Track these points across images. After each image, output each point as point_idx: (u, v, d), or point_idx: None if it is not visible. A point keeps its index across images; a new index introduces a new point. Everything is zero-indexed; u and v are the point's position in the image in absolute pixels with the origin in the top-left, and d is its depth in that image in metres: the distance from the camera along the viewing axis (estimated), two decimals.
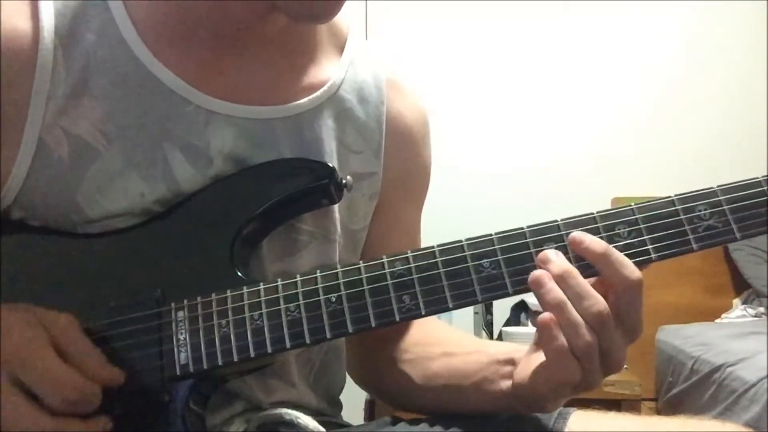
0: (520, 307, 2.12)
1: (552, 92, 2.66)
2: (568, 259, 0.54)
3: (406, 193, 0.78)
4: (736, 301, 2.48)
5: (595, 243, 0.54)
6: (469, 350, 0.67)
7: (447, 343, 0.71)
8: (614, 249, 0.53)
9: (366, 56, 0.76)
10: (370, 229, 0.76)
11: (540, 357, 0.56)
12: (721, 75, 2.64)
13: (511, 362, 0.62)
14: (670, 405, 2.18)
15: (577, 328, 0.52)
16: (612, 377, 2.08)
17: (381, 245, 0.75)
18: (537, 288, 0.53)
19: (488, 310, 2.08)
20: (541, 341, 0.55)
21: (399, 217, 0.78)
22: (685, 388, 2.08)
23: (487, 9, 2.67)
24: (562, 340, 0.52)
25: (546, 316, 0.53)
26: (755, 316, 2.37)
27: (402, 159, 0.76)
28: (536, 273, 0.53)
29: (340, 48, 0.74)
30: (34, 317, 0.53)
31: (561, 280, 0.53)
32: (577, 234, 0.55)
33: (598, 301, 0.52)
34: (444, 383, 0.67)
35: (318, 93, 0.69)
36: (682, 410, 2.02)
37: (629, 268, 0.53)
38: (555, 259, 0.54)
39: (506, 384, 0.61)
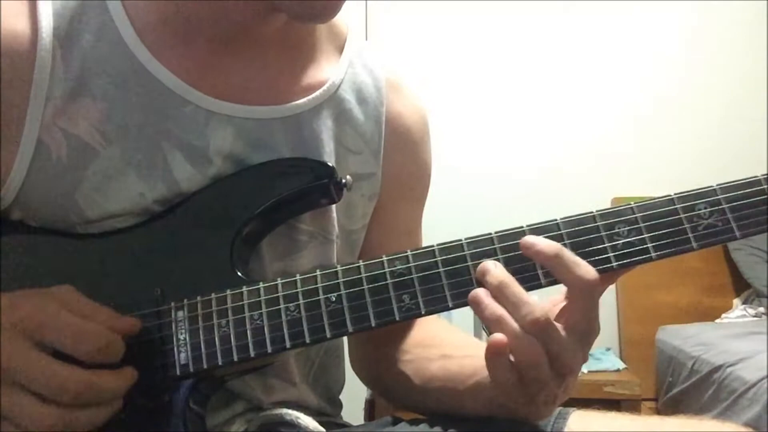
0: None
1: (552, 92, 2.66)
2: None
3: (405, 194, 0.78)
4: (736, 301, 2.48)
5: (545, 245, 0.53)
6: (466, 353, 0.67)
7: (446, 345, 0.71)
8: (566, 250, 0.53)
9: (365, 57, 0.76)
10: (371, 230, 0.76)
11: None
12: (722, 75, 2.63)
13: None
14: (670, 405, 2.18)
15: (518, 340, 0.52)
16: (612, 377, 2.09)
17: (382, 247, 0.75)
18: (475, 306, 0.54)
19: None
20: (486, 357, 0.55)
21: (399, 219, 0.78)
22: (685, 388, 2.08)
23: (488, 9, 2.67)
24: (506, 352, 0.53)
25: (496, 337, 0.53)
26: (755, 316, 2.37)
27: (401, 160, 0.76)
28: (474, 292, 0.54)
29: (340, 48, 0.74)
30: (35, 292, 0.53)
31: (498, 291, 0.53)
32: (527, 238, 0.54)
33: (534, 309, 0.52)
34: (440, 386, 0.67)
35: (317, 93, 0.69)
36: (682, 410, 2.02)
37: (583, 267, 0.53)
38: (493, 269, 0.54)
39: (497, 391, 0.61)
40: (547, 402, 0.57)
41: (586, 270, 0.53)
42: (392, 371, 0.73)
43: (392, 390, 0.75)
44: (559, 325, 0.53)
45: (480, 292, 0.54)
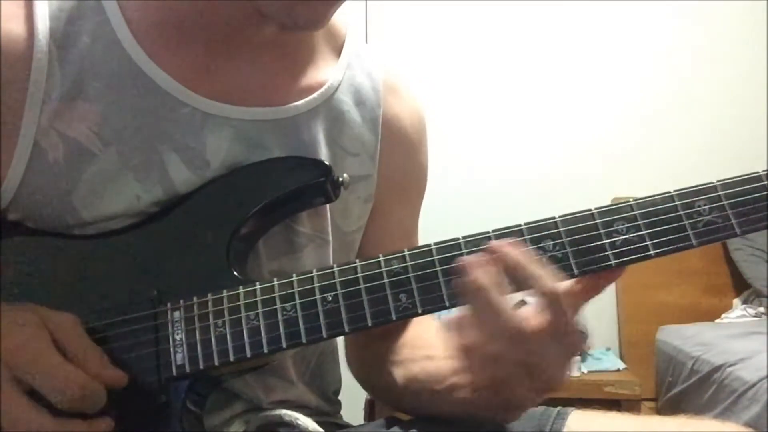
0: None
1: (552, 92, 2.66)
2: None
3: (402, 196, 0.78)
4: (736, 301, 2.48)
5: (506, 253, 0.52)
6: (446, 355, 0.66)
7: (431, 346, 0.70)
8: (528, 261, 0.52)
9: (363, 58, 0.75)
10: (368, 232, 0.76)
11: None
12: (722, 75, 2.63)
13: None
14: (670, 405, 2.18)
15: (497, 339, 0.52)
16: (612, 377, 2.09)
17: (379, 249, 0.75)
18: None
19: None
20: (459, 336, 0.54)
21: (396, 220, 0.78)
22: (685, 388, 2.08)
23: (488, 9, 2.66)
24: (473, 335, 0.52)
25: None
26: (755, 316, 2.36)
27: (398, 162, 0.76)
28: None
29: (338, 49, 0.74)
30: (36, 316, 0.53)
31: (513, 268, 0.52)
32: (492, 243, 0.53)
33: (551, 282, 0.51)
34: (419, 387, 0.66)
35: (315, 95, 0.69)
36: (682, 410, 2.02)
37: (542, 280, 0.52)
38: (477, 273, 0.52)
39: (467, 392, 0.60)
40: (519, 407, 0.56)
41: (545, 282, 0.52)
42: (380, 371, 0.73)
43: (380, 390, 0.75)
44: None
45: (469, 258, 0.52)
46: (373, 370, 0.75)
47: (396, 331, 0.75)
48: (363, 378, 0.80)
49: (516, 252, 0.52)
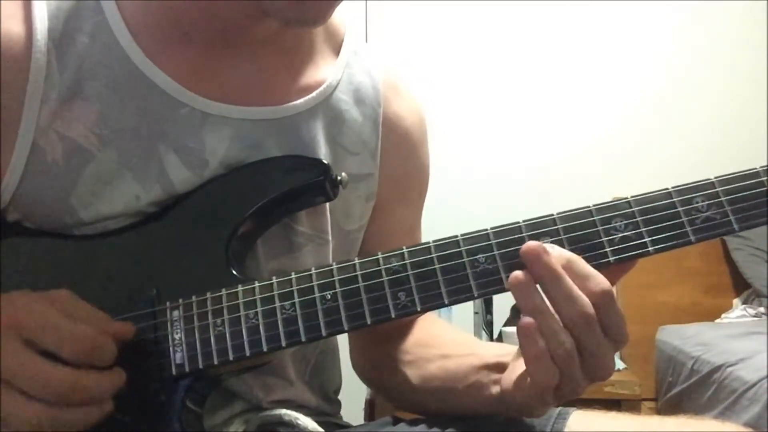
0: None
1: (552, 91, 2.66)
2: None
3: (404, 195, 0.78)
4: (736, 301, 2.48)
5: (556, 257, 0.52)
6: (464, 352, 0.67)
7: (445, 344, 0.71)
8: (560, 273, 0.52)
9: (363, 57, 0.75)
10: (371, 231, 0.76)
11: (523, 364, 0.55)
12: (721, 75, 2.63)
13: (501, 367, 0.61)
14: (670, 405, 2.18)
15: (556, 335, 0.51)
16: (612, 377, 2.08)
17: (381, 247, 0.75)
18: (517, 292, 0.52)
19: (488, 310, 2.08)
20: (522, 347, 0.54)
21: (398, 219, 0.78)
22: (685, 388, 2.07)
23: (488, 9, 2.67)
24: (542, 345, 0.52)
25: (526, 321, 0.52)
26: (755, 316, 2.36)
27: (399, 160, 0.76)
28: (518, 276, 0.52)
29: (337, 48, 0.74)
30: (31, 293, 0.53)
31: (548, 281, 0.52)
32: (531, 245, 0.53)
33: (585, 304, 0.51)
34: (439, 386, 0.67)
35: (314, 94, 0.69)
36: (682, 410, 2.02)
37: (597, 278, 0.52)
38: (544, 257, 0.52)
39: (496, 389, 0.61)
40: (555, 400, 0.56)
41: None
42: (392, 372, 0.73)
43: (392, 390, 0.75)
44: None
45: (523, 280, 0.52)
46: (384, 371, 0.75)
47: (405, 331, 0.75)
48: (372, 379, 0.80)
49: (564, 252, 0.53)
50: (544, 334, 0.52)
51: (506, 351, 0.63)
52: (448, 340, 0.72)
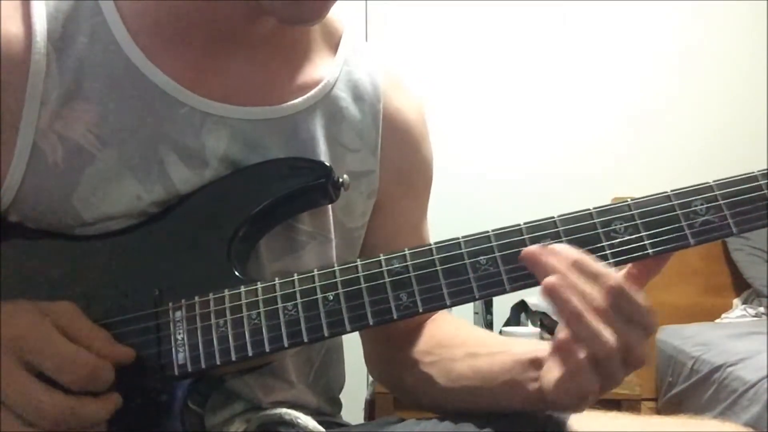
0: (520, 307, 2.12)
1: (552, 92, 2.66)
2: None
3: (407, 190, 0.78)
4: (736, 301, 2.48)
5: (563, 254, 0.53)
6: (493, 351, 0.66)
7: (470, 343, 0.70)
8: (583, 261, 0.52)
9: (361, 54, 0.75)
10: (376, 228, 0.76)
11: (559, 365, 0.55)
12: (722, 74, 2.63)
13: (537, 363, 0.61)
14: (670, 405, 2.18)
15: (596, 336, 0.51)
16: None
17: (388, 243, 0.75)
18: (553, 297, 0.52)
19: (488, 310, 2.08)
20: (561, 359, 0.54)
21: (403, 214, 0.78)
22: (685, 388, 2.08)
23: (488, 9, 2.66)
24: (580, 355, 0.52)
25: (561, 338, 0.53)
26: (755, 316, 2.36)
27: (400, 156, 0.76)
28: (550, 281, 0.52)
29: (335, 46, 0.74)
30: (34, 306, 0.53)
31: (573, 270, 0.52)
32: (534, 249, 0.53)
33: (614, 276, 0.52)
34: (469, 384, 0.66)
35: (312, 92, 0.69)
36: (682, 410, 2.02)
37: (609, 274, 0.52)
38: (561, 249, 0.53)
39: (534, 386, 0.60)
40: (592, 399, 0.56)
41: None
42: (415, 373, 0.72)
43: (415, 391, 0.74)
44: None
45: (557, 282, 0.51)
46: (405, 373, 0.74)
47: (423, 333, 0.75)
48: (391, 381, 0.80)
49: (571, 251, 0.53)
50: (583, 338, 0.51)
51: (537, 347, 0.62)
52: (470, 338, 0.71)
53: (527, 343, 0.66)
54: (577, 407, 0.57)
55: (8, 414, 0.49)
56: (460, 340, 0.71)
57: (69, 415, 0.50)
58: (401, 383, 0.76)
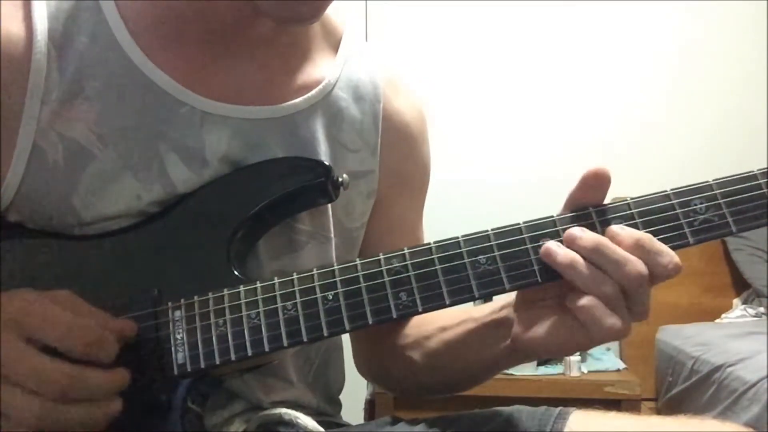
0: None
1: (552, 93, 2.66)
2: None
3: (405, 191, 0.78)
4: (736, 301, 2.48)
5: (586, 238, 0.54)
6: (458, 320, 0.68)
7: (441, 318, 0.71)
8: (605, 241, 0.53)
9: (362, 54, 0.76)
10: (373, 227, 0.76)
11: (544, 314, 0.56)
12: (722, 74, 2.63)
13: (500, 322, 0.63)
14: (670, 405, 2.18)
15: (599, 283, 0.52)
16: (612, 377, 2.09)
17: (385, 243, 0.75)
18: (547, 257, 0.54)
19: None
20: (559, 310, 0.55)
21: (400, 216, 0.78)
22: (685, 388, 2.07)
23: (488, 9, 2.66)
24: (581, 302, 0.52)
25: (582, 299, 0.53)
26: (755, 316, 2.36)
27: (400, 156, 0.76)
28: (546, 244, 0.54)
29: (335, 46, 0.74)
30: (33, 291, 0.53)
31: (595, 252, 0.53)
32: (571, 230, 0.54)
33: (638, 263, 0.52)
34: (443, 359, 0.67)
35: (313, 92, 0.69)
36: (682, 410, 2.02)
37: (631, 262, 0.52)
38: (582, 234, 0.54)
39: (503, 344, 0.62)
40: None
41: (634, 264, 0.52)
42: (397, 359, 0.73)
43: (401, 379, 0.75)
44: None
45: (551, 243, 0.54)
46: (389, 362, 0.75)
47: (404, 321, 0.75)
48: (379, 375, 0.81)
49: (592, 235, 0.54)
50: (586, 287, 0.52)
51: (498, 306, 0.64)
52: (443, 315, 0.71)
53: (487, 307, 0.67)
54: (558, 354, 0.58)
55: (10, 386, 0.48)
56: (432, 317, 0.71)
57: (75, 382, 0.49)
58: (389, 374, 0.77)
